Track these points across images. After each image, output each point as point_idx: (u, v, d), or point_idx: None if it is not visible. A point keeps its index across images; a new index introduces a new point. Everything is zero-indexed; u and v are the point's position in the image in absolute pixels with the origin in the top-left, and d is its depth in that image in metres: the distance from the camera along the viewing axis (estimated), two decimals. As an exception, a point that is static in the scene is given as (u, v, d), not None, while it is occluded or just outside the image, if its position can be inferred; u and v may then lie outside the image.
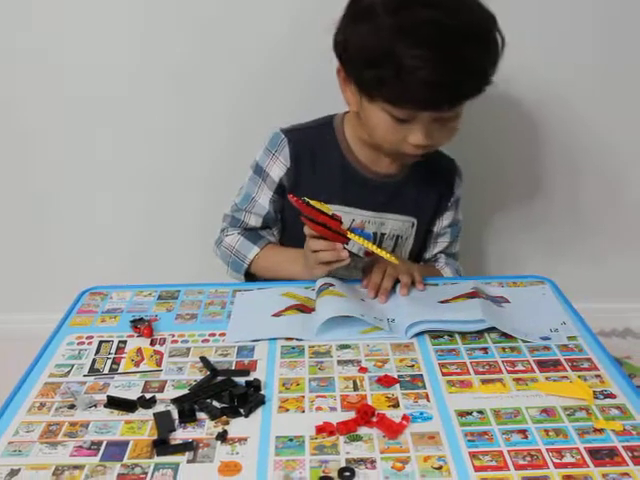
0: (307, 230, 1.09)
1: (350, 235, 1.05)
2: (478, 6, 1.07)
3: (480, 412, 0.82)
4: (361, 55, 1.07)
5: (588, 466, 0.74)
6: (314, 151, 1.24)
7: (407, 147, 1.11)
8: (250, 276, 1.28)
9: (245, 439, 0.78)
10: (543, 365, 0.92)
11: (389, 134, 1.11)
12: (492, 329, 0.99)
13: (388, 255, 1.04)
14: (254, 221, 1.28)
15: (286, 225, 1.30)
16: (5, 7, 1.45)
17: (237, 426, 0.80)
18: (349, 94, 1.15)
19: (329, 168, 1.23)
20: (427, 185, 1.27)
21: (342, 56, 1.11)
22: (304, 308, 1.06)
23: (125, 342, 0.99)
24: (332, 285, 1.07)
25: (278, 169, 1.24)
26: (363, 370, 0.91)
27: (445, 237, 1.33)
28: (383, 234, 1.26)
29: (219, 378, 0.89)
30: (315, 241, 1.08)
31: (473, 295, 1.06)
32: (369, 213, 1.24)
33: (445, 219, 1.31)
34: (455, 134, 1.15)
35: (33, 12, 1.45)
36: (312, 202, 1.06)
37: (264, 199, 1.26)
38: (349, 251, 1.07)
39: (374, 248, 1.05)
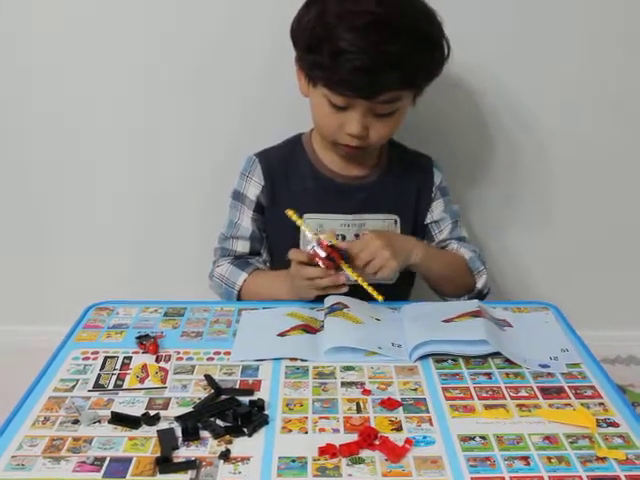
0: (293, 255, 1.12)
1: (343, 265, 1.08)
2: (425, 13, 1.14)
3: (483, 437, 0.82)
4: (305, 39, 1.14)
5: (590, 495, 0.74)
6: (285, 167, 1.29)
7: (343, 137, 1.17)
8: None
9: (248, 459, 0.78)
10: (546, 392, 0.92)
11: (327, 120, 1.17)
12: (496, 354, 0.99)
13: (374, 291, 1.07)
14: (241, 247, 1.30)
15: (272, 244, 1.32)
16: (7, 6, 1.45)
17: (240, 445, 0.81)
18: (301, 82, 1.21)
19: (302, 180, 1.28)
20: (404, 180, 1.31)
21: (294, 42, 1.18)
22: (309, 328, 1.06)
23: (130, 358, 0.99)
24: (346, 307, 1.08)
25: (254, 188, 1.29)
26: (366, 392, 0.91)
27: (445, 222, 1.33)
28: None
29: (223, 397, 0.90)
30: (307, 268, 1.10)
31: (477, 314, 1.06)
32: (347, 216, 1.27)
33: (435, 208, 1.33)
34: (391, 133, 1.21)
35: (33, 13, 1.45)
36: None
37: (246, 220, 1.30)
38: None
39: (362, 282, 1.08)
